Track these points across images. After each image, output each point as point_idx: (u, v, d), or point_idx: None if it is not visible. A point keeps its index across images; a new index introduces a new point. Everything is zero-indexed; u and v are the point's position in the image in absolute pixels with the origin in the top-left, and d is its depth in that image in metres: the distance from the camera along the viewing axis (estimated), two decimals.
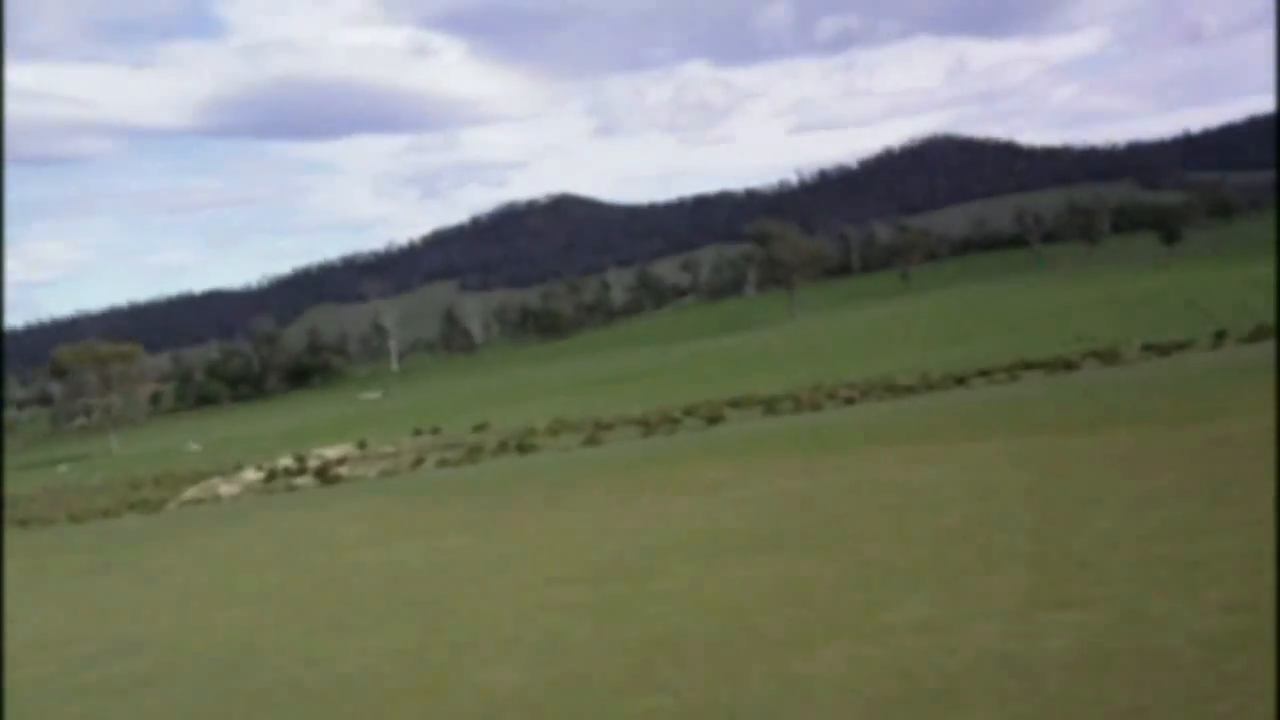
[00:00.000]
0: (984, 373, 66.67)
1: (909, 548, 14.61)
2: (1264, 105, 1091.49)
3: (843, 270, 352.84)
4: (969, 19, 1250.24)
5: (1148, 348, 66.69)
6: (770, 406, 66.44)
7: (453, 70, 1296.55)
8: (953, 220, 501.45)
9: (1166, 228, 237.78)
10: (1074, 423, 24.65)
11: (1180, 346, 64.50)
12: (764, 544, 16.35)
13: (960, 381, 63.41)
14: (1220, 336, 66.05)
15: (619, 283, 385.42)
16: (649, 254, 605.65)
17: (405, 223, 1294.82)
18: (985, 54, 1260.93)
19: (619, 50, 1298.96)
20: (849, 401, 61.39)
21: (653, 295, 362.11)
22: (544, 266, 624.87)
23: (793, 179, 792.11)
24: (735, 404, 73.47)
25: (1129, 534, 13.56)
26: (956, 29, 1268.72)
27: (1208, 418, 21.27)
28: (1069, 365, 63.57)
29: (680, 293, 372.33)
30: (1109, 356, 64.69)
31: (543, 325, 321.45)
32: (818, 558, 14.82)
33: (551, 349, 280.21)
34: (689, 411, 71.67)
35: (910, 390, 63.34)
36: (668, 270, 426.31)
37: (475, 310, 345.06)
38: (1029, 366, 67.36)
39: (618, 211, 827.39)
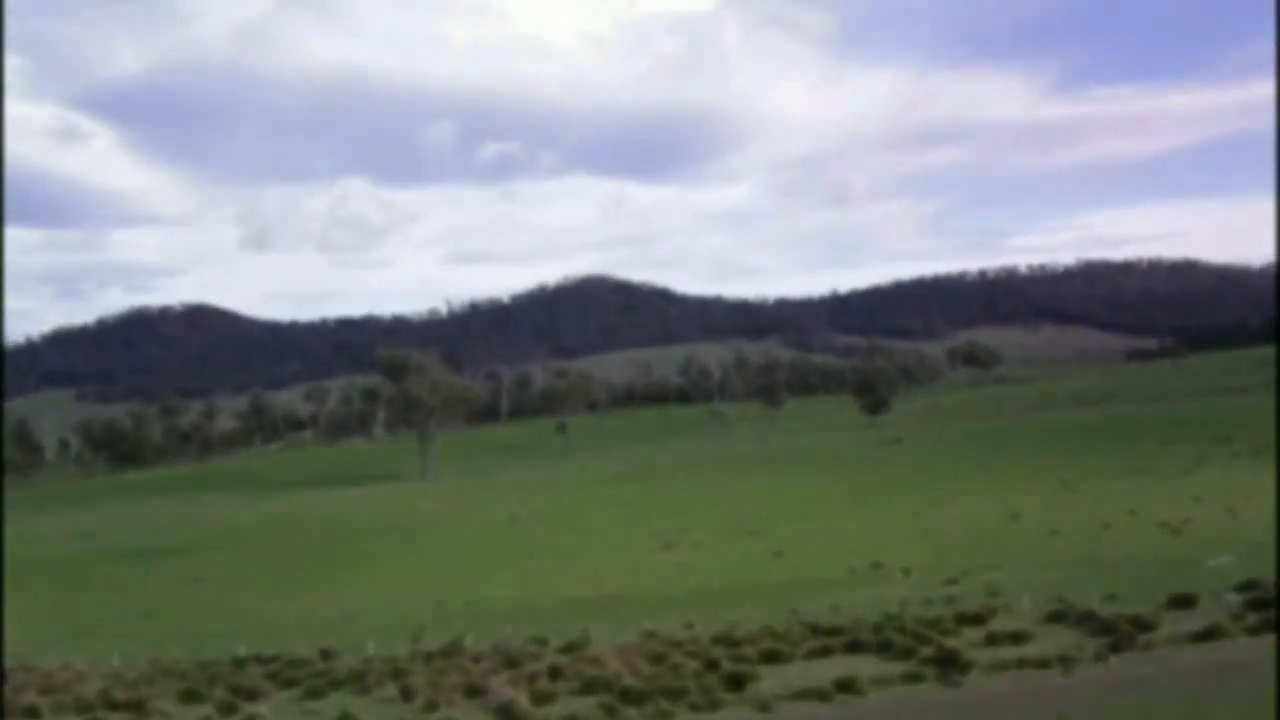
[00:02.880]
0: None
1: None
2: (908, 271, 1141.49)
3: (491, 414, 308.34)
4: (627, 160, 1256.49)
5: None
6: None
7: (101, 160, 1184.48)
8: (608, 365, 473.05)
9: (873, 393, 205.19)
10: None
11: None
12: None
13: None
14: None
15: (231, 408, 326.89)
16: (287, 377, 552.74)
17: (35, 319, 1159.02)
18: (641, 196, 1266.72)
19: (277, 157, 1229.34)
20: None
21: (266, 426, 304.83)
22: (173, 380, 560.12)
23: (443, 309, 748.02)
24: None
25: None
26: (614, 169, 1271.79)
27: None
28: None
29: (299, 425, 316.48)
30: None
31: (121, 452, 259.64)
32: None
33: (114, 483, 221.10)
34: None
35: None
36: (293, 399, 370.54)
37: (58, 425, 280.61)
38: None
39: (256, 328, 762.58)
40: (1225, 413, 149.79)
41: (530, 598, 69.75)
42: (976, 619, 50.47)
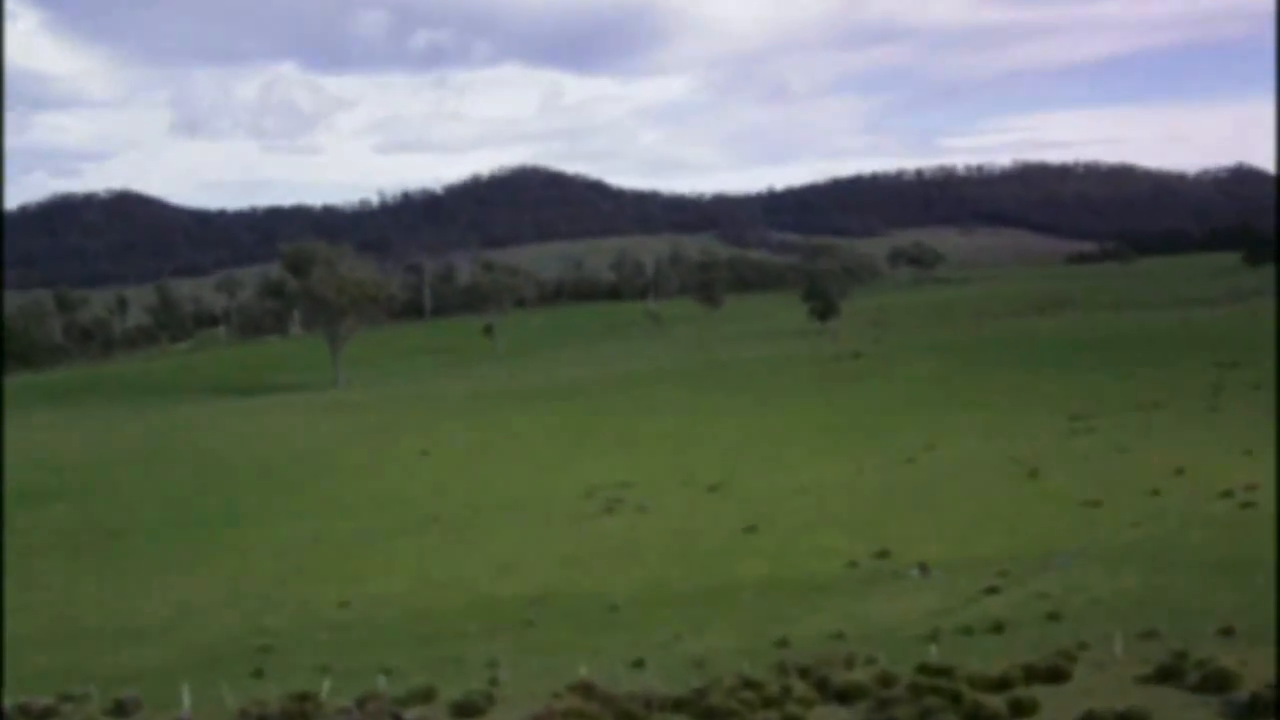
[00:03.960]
0: None
1: None
2: (845, 169, 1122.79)
3: (414, 311, 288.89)
4: (563, 51, 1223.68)
5: None
6: None
7: (25, 41, 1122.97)
8: (542, 259, 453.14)
9: (822, 297, 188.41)
10: None
11: None
12: None
13: None
14: None
15: (140, 301, 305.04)
16: (210, 268, 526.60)
17: None
18: (577, 88, 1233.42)
19: (207, 41, 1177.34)
20: None
21: (175, 322, 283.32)
22: (94, 269, 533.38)
23: (374, 199, 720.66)
24: None
25: None
26: (550, 60, 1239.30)
27: None
28: None
29: (213, 321, 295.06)
30: None
31: (13, 352, 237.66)
32: None
33: None
34: None
35: None
36: (206, 289, 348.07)
37: None
38: None
39: (184, 216, 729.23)
40: (1211, 329, 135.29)
41: (426, 598, 52.64)
42: (1054, 674, 34.16)
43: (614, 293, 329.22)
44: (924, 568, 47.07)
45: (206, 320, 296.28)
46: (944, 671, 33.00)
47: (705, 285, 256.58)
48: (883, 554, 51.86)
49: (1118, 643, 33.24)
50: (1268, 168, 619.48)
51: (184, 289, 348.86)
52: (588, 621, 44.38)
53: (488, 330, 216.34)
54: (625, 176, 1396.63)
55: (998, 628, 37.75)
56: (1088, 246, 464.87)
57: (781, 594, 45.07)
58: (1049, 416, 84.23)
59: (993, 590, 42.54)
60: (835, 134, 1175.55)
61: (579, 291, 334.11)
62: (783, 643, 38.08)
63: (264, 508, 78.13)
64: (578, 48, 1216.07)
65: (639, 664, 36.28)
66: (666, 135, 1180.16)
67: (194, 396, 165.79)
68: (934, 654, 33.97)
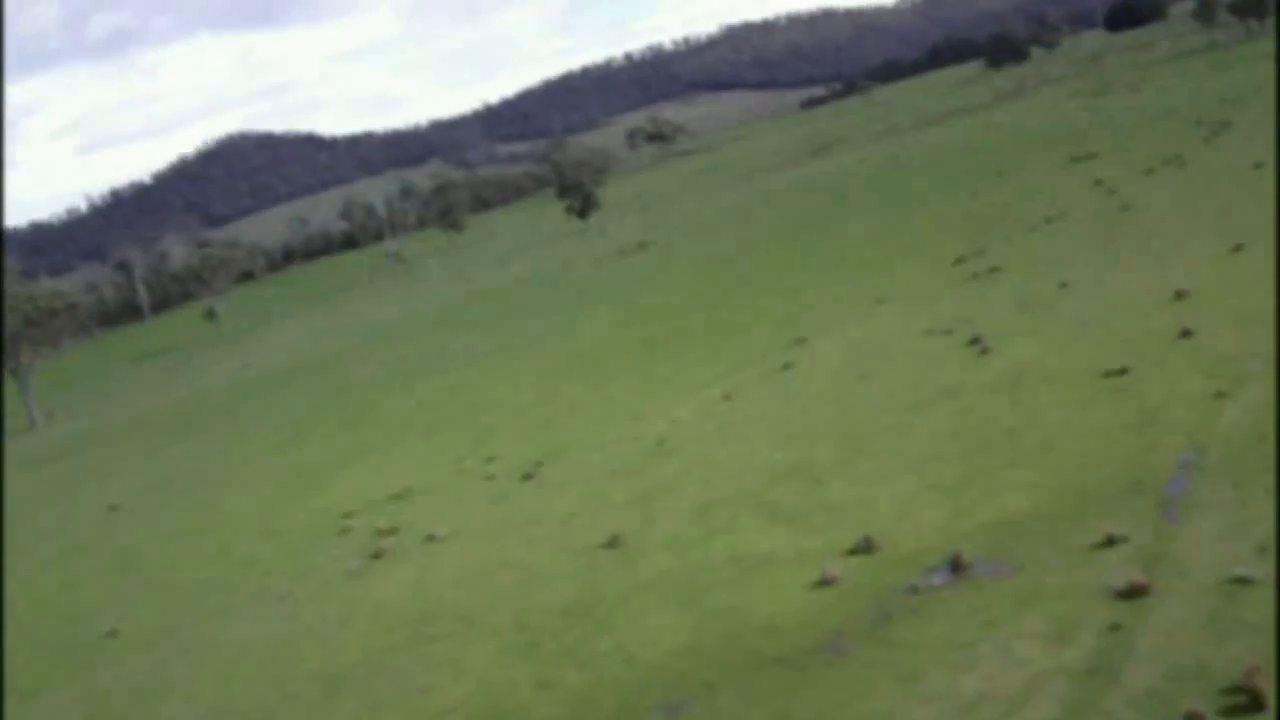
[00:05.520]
0: None
1: None
2: (554, 69, 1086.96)
3: (134, 311, 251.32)
4: (248, 11, 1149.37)
5: None
6: None
7: None
8: (268, 226, 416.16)
9: (579, 191, 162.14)
10: None
11: None
12: None
13: None
14: None
15: None
16: None
17: None
18: (270, 46, 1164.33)
19: None
20: None
21: None
22: None
23: (82, 205, 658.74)
24: None
25: None
26: (236, 23, 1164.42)
27: None
28: None
29: None
30: None
31: None
32: None
33: None
34: None
35: None
36: None
37: None
38: None
39: None
40: (1015, 130, 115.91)
41: None
42: None
43: (350, 242, 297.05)
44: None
45: None
46: None
47: (445, 211, 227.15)
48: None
49: None
50: None
51: None
52: None
53: (209, 315, 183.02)
54: (339, 123, 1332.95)
55: None
56: (815, 92, 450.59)
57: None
58: (931, 265, 60.97)
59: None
60: (536, 36, 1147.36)
61: (311, 250, 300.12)
62: None
63: None
64: (263, 4, 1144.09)
65: None
66: (370, 74, 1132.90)
67: None
68: None
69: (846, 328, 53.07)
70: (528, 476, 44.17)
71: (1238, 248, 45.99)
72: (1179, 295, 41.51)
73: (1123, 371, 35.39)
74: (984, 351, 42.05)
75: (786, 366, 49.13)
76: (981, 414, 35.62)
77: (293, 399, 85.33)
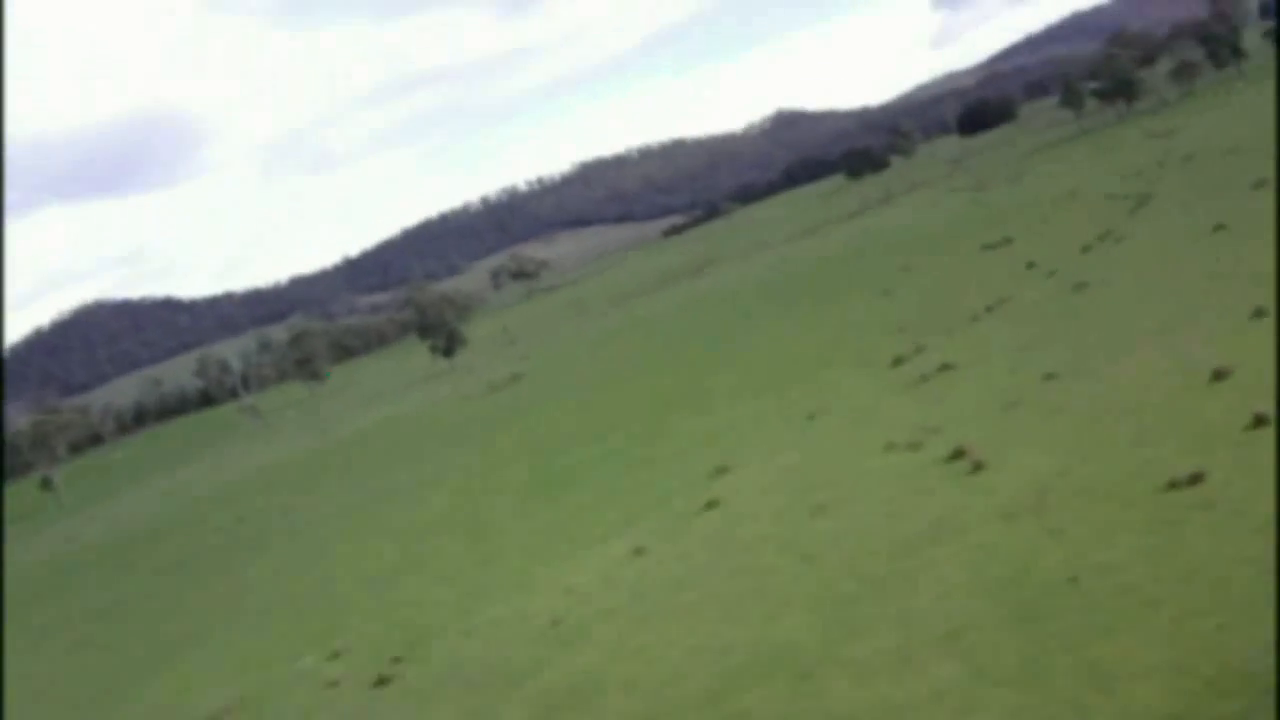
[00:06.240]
0: None
1: None
2: (412, 217, 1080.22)
3: None
4: (96, 179, 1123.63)
5: None
6: None
7: None
8: (126, 391, 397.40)
9: (442, 330, 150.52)
10: None
11: None
12: None
13: None
14: None
15: None
16: None
17: None
18: (124, 212, 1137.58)
19: None
20: None
21: None
22: None
23: None
24: None
25: None
26: (86, 191, 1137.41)
27: None
28: None
29: None
30: None
31: None
32: None
33: None
34: None
35: None
36: None
37: None
38: None
39: None
40: (890, 234, 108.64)
41: None
42: None
43: (207, 400, 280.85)
44: None
45: None
46: None
47: (303, 360, 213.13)
48: None
49: None
50: (804, 107, 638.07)
51: None
52: None
53: (45, 484, 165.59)
54: (199, 285, 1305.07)
55: None
56: (676, 220, 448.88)
57: None
58: (864, 369, 51.13)
59: None
60: (394, 185, 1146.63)
61: (166, 410, 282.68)
62: None
63: None
64: (115, 171, 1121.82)
65: None
66: (228, 233, 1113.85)
67: None
68: None
69: (778, 450, 42.32)
70: (382, 681, 32.02)
71: (1259, 313, 36.66)
72: (1219, 375, 31.78)
73: (1196, 479, 25.17)
74: (977, 468, 31.56)
75: (711, 505, 37.98)
76: (1010, 554, 24.90)
77: (111, 578, 71.40)
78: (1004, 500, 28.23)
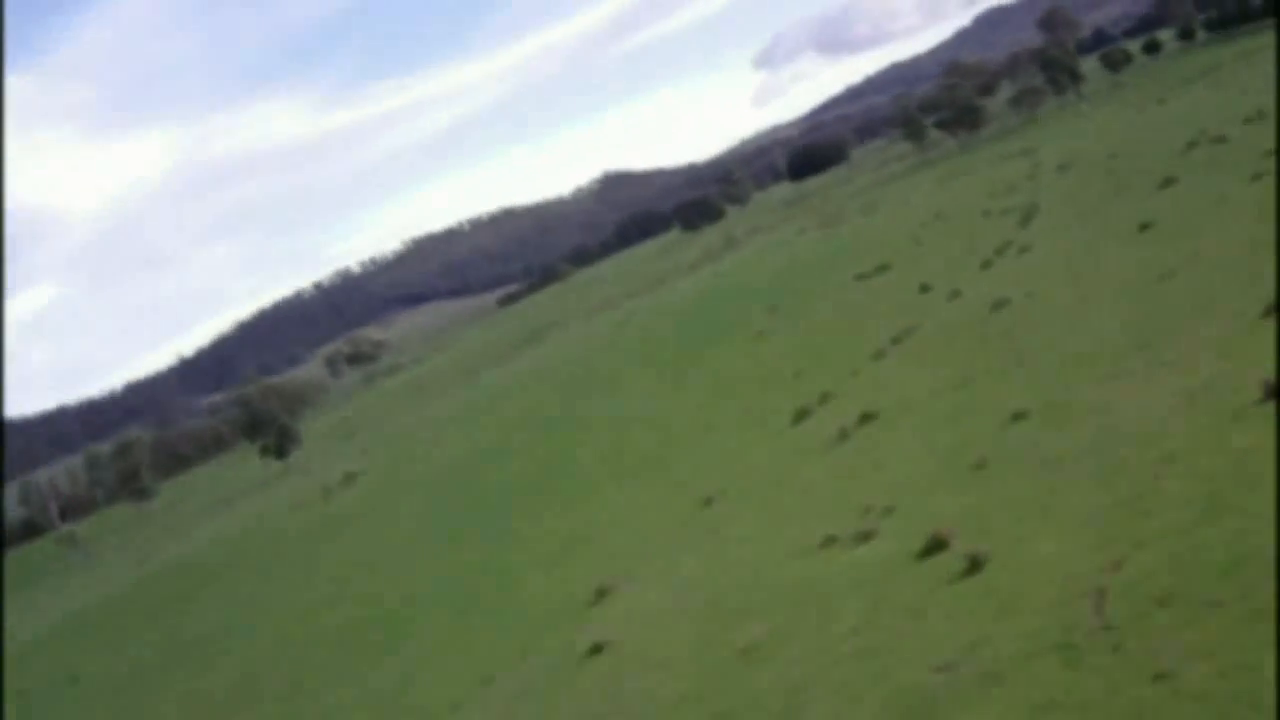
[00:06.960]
0: None
1: None
2: (245, 310, 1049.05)
3: None
4: None
5: None
6: None
7: None
8: None
9: (271, 431, 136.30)
10: None
11: None
12: None
13: None
14: None
15: None
16: None
17: None
18: None
19: None
20: None
21: None
22: None
23: None
24: None
25: None
26: None
27: None
28: None
29: None
30: None
31: None
32: None
33: None
34: None
35: None
36: None
37: None
38: None
39: None
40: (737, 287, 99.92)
41: None
42: None
43: (33, 530, 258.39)
44: None
45: None
46: None
47: (128, 477, 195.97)
48: None
49: None
50: (631, 167, 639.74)
51: None
52: None
53: None
54: (26, 403, 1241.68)
55: None
56: (511, 288, 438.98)
57: None
58: (759, 431, 41.11)
59: None
60: (225, 278, 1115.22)
61: None
62: None
63: None
64: None
65: None
66: (52, 344, 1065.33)
67: None
68: None
69: (673, 555, 31.55)
70: None
71: (1268, 311, 27.36)
72: (1271, 393, 22.14)
73: None
74: (973, 566, 21.20)
75: (595, 651, 26.98)
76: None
77: None
78: (1041, 621, 17.85)
